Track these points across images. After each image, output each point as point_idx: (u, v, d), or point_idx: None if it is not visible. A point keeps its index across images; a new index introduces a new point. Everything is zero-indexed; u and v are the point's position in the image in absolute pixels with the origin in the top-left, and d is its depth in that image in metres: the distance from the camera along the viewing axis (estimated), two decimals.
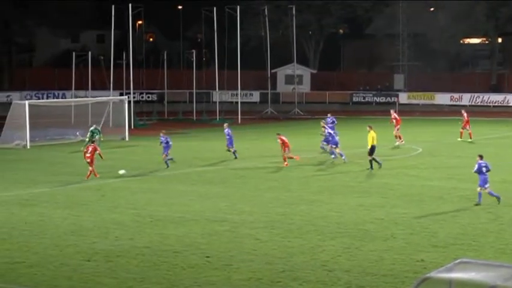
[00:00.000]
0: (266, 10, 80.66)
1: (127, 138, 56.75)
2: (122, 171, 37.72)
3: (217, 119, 74.43)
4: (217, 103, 76.42)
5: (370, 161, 38.83)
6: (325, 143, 44.49)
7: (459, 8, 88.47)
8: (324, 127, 44.70)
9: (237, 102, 77.80)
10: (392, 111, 52.10)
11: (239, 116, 73.89)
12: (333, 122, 48.74)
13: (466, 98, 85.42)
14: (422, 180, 35.63)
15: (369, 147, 38.99)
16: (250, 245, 23.37)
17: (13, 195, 32.82)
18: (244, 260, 21.69)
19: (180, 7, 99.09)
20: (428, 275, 13.44)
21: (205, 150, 48.53)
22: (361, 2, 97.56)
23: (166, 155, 40.97)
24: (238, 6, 75.15)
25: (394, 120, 50.63)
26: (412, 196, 31.33)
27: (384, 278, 19.91)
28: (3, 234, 25.25)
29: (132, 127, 63.62)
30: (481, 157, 29.94)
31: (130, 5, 69.89)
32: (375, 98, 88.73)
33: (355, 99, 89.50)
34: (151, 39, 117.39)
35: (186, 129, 65.99)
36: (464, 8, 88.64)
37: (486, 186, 29.37)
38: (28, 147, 51.53)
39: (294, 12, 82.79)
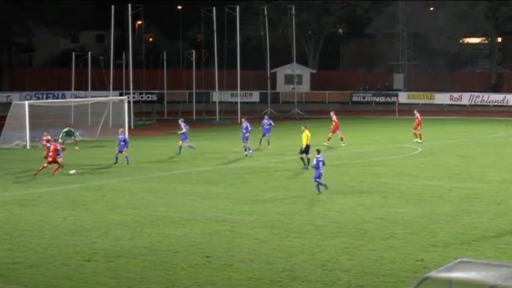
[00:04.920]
0: (265, 10, 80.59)
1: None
2: (72, 171, 38.49)
3: (217, 119, 74.50)
4: (217, 103, 76.43)
5: (302, 159, 39.49)
6: (245, 141, 45.18)
7: (459, 8, 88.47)
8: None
9: (236, 102, 77.80)
10: (332, 113, 50.93)
11: (239, 116, 73.83)
12: (269, 124, 50.07)
13: (465, 98, 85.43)
14: (422, 179, 35.61)
15: (304, 146, 39.55)
16: (250, 245, 23.36)
17: (13, 195, 32.82)
18: (244, 260, 21.68)
19: (179, 7, 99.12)
20: (428, 274, 13.44)
21: (204, 150, 48.49)
22: (360, 1, 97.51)
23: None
24: (237, 6, 75.16)
25: (334, 123, 50.27)
26: (412, 196, 31.32)
27: (384, 278, 19.90)
28: (3, 234, 25.24)
29: (132, 127, 63.62)
30: (318, 151, 32.05)
31: (130, 5, 69.93)
32: (375, 97, 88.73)
33: (354, 98, 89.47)
34: (150, 39, 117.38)
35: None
36: (464, 8, 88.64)
37: (318, 179, 31.30)
38: (28, 147, 51.56)
39: (293, 11, 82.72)
